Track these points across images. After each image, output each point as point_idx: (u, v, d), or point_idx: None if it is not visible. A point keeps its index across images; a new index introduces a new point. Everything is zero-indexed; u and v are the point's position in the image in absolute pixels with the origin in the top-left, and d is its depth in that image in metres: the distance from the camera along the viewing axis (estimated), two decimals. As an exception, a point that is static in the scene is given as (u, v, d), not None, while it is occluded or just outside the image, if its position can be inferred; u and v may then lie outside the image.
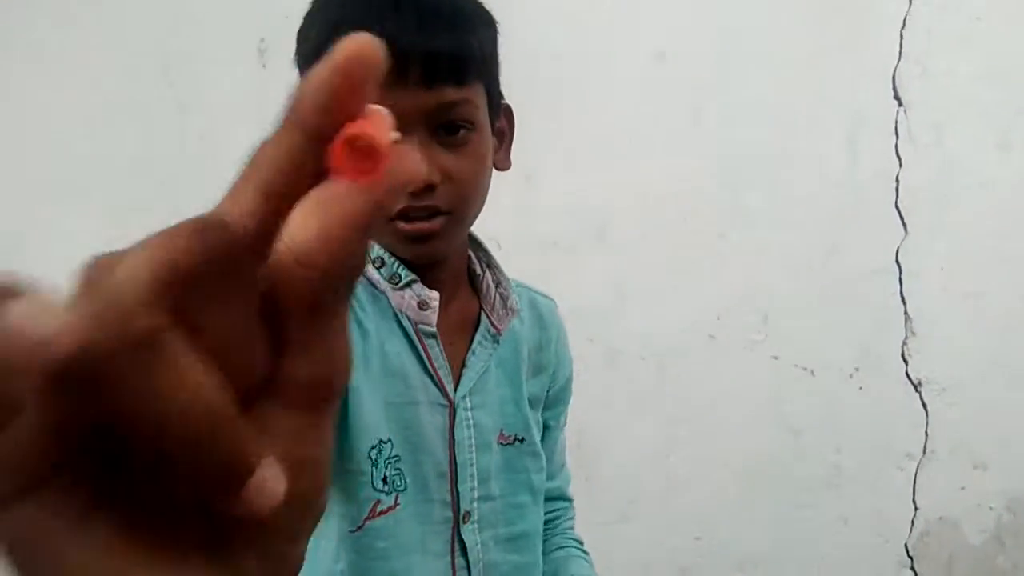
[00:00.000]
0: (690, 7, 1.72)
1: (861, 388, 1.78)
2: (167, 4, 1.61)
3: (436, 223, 0.70)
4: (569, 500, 0.96)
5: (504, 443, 0.81)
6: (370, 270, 0.74)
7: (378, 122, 0.21)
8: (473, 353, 0.79)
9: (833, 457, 1.78)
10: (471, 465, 0.78)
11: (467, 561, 0.77)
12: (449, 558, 0.76)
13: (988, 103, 1.76)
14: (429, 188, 0.68)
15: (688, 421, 1.74)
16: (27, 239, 1.57)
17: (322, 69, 0.20)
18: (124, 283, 0.17)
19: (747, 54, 1.72)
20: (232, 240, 0.19)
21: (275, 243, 0.20)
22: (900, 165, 1.76)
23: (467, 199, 0.72)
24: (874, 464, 1.79)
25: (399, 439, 0.73)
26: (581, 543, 0.94)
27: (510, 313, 0.81)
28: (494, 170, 0.76)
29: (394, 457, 0.73)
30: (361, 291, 0.74)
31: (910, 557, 1.81)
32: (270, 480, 0.19)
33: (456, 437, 0.77)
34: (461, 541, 0.77)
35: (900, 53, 1.74)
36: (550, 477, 0.90)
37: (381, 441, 0.72)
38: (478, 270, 0.82)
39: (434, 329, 0.75)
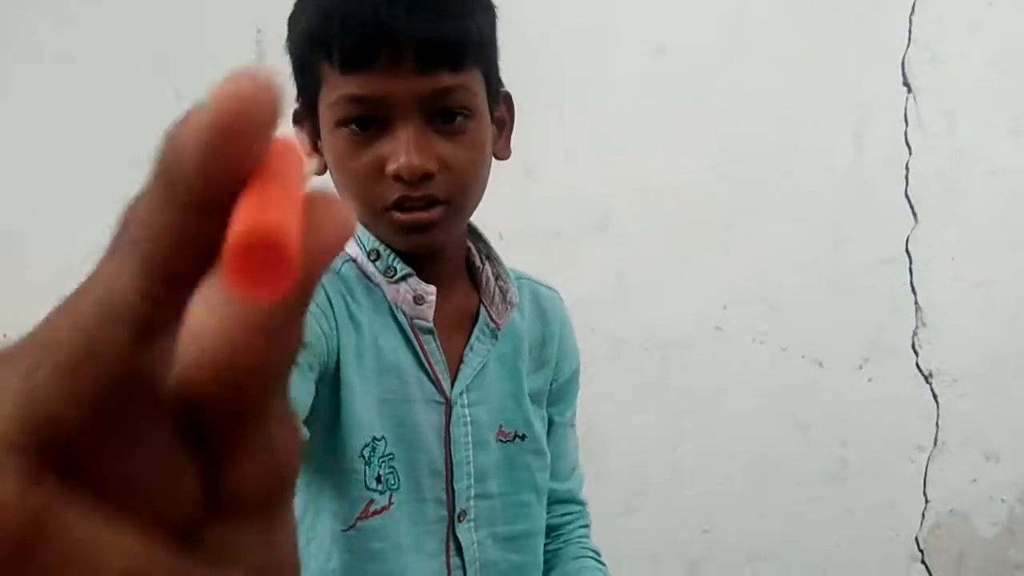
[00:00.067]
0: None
1: (870, 380, 1.76)
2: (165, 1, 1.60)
3: (434, 213, 0.68)
4: (582, 504, 0.91)
5: (504, 440, 0.79)
6: (365, 262, 0.73)
7: (282, 193, 0.15)
8: (471, 348, 0.77)
9: (841, 450, 1.76)
10: (468, 463, 0.76)
11: (463, 560, 0.76)
12: (444, 558, 0.75)
13: (1000, 89, 1.73)
14: (426, 177, 0.66)
15: (694, 413, 1.73)
16: (27, 239, 1.56)
17: (196, 119, 0.15)
18: None
19: (750, 43, 1.69)
20: (122, 358, 0.15)
21: (178, 343, 0.15)
22: (910, 153, 1.73)
23: (465, 188, 0.70)
24: (884, 456, 1.77)
25: (393, 437, 0.72)
26: (598, 553, 0.89)
27: (509, 307, 0.79)
28: (494, 159, 0.74)
29: (388, 455, 0.71)
30: (356, 284, 0.72)
31: (921, 550, 1.79)
32: None
33: (452, 434, 0.75)
34: (456, 540, 0.76)
35: (909, 39, 1.72)
36: (562, 479, 0.87)
37: (375, 439, 0.71)
38: (477, 262, 0.80)
39: (430, 324, 0.74)
